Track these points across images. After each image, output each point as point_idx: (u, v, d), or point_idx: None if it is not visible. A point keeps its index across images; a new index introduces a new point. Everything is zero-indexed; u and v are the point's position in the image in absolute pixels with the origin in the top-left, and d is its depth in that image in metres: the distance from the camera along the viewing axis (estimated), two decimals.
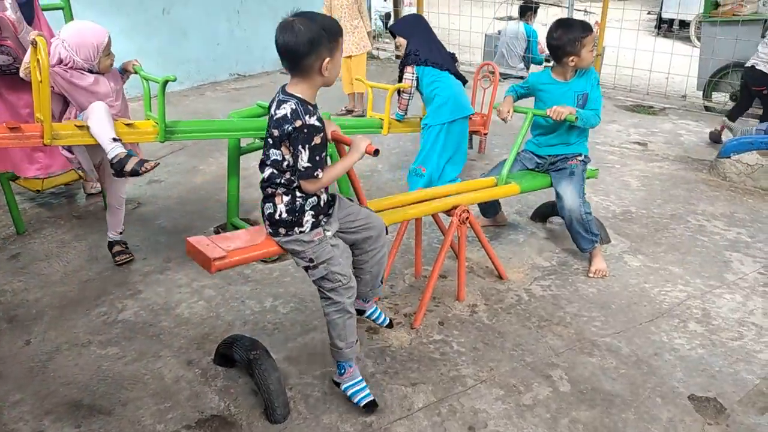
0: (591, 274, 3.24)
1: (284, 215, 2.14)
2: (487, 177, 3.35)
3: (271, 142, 2.10)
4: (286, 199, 2.13)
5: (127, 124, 3.09)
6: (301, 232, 2.16)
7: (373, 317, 2.63)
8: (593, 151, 4.92)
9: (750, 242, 3.61)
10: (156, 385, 2.48)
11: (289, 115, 2.01)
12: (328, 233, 2.23)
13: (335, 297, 2.23)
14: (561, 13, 9.36)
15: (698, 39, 8.81)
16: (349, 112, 6.49)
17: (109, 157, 2.89)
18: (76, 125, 2.97)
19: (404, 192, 4.32)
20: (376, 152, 2.22)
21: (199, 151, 5.31)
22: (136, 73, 3.24)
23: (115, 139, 2.91)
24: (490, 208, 3.70)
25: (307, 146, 2.02)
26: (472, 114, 4.13)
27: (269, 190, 2.16)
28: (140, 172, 2.88)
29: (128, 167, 2.87)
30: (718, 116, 6.24)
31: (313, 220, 2.17)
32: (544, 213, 3.88)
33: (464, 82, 4.12)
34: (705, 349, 2.68)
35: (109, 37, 3.06)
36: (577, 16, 7.88)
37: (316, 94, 2.13)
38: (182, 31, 7.58)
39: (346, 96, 6.56)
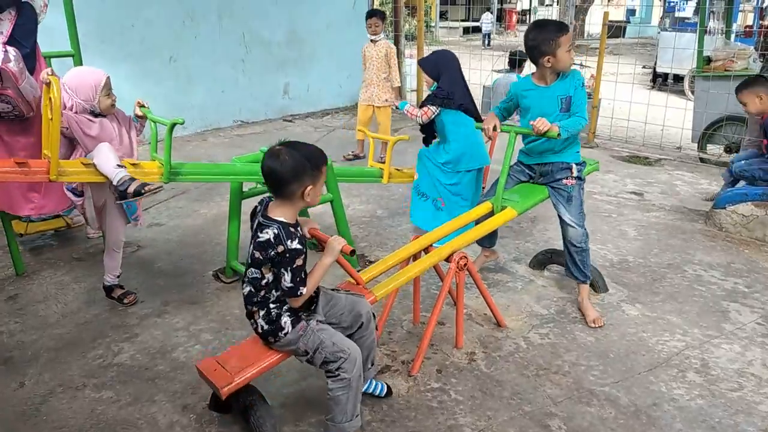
0: (592, 324, 3.23)
1: (265, 327, 2.28)
2: (482, 202, 3.33)
3: (250, 261, 2.22)
4: (261, 313, 2.28)
5: (133, 164, 3.16)
6: (285, 334, 2.26)
7: (370, 391, 2.63)
8: (589, 200, 4.98)
9: (747, 292, 3.62)
10: (150, 431, 2.45)
11: (272, 239, 2.12)
12: (311, 323, 2.30)
13: (342, 374, 2.27)
14: None
15: (692, 92, 9.02)
16: (356, 156, 6.61)
17: (114, 181, 2.99)
18: (82, 162, 3.06)
19: (403, 236, 4.40)
20: (353, 252, 2.30)
21: (200, 195, 5.37)
22: (143, 114, 3.33)
23: (119, 166, 3.03)
24: (487, 238, 3.59)
25: (289, 269, 2.13)
26: (488, 164, 4.16)
27: (248, 308, 2.31)
28: (143, 192, 2.99)
29: (131, 188, 2.99)
30: (713, 168, 6.33)
31: (292, 319, 2.27)
32: (542, 261, 3.90)
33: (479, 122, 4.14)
34: (704, 399, 2.66)
35: (108, 78, 3.16)
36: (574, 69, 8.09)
37: (296, 214, 2.24)
38: (188, 78, 7.76)
39: (355, 141, 6.72)
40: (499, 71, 9.02)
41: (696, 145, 6.83)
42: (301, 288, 2.16)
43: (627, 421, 2.51)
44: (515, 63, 8.30)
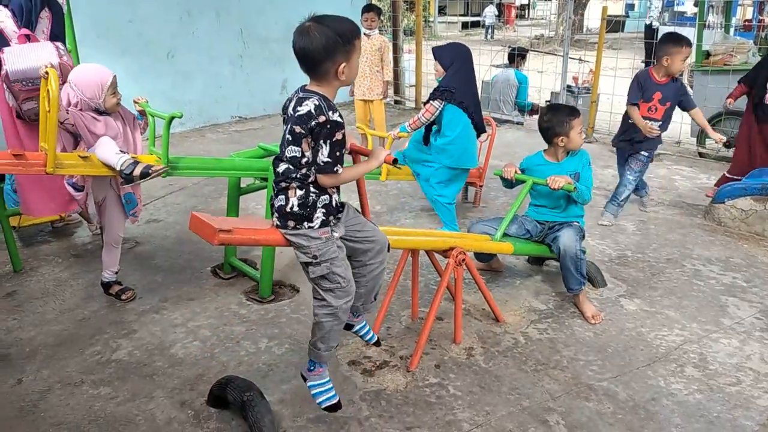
0: (591, 321, 3.23)
1: (296, 208, 2.13)
2: (480, 233, 3.37)
3: (290, 138, 2.09)
4: (299, 192, 2.13)
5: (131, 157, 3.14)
6: (309, 227, 2.15)
7: (361, 333, 2.61)
8: None
9: (746, 287, 3.62)
10: (148, 427, 2.45)
11: (313, 111, 2.03)
12: (336, 234, 2.23)
13: (330, 299, 2.22)
14: (555, 61, 9.57)
15: (691, 87, 9.00)
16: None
17: (118, 165, 2.99)
18: (79, 155, 3.04)
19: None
20: (395, 161, 2.28)
21: (198, 192, 5.36)
22: (142, 108, 3.33)
23: (121, 151, 3.04)
24: (484, 256, 3.69)
25: (328, 141, 2.04)
26: (474, 167, 4.18)
27: (283, 184, 2.15)
28: (150, 173, 3.00)
29: (137, 171, 2.99)
30: (712, 162, 6.33)
31: (323, 218, 2.17)
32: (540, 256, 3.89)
33: (480, 133, 4.22)
34: (702, 394, 2.66)
35: (114, 77, 3.15)
36: (572, 63, 8.08)
37: (335, 93, 2.16)
38: (186, 74, 7.74)
39: (355, 136, 6.69)
40: (497, 66, 8.99)
41: (695, 139, 6.82)
42: (338, 166, 2.08)
43: (625, 416, 2.51)
44: (514, 58, 8.30)
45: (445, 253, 2.94)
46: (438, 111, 3.98)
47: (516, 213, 3.37)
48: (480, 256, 3.73)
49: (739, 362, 2.89)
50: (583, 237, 3.39)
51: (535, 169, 3.44)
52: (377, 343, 2.71)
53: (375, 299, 2.55)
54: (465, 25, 25.62)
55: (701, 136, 6.70)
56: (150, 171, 3.00)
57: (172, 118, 3.07)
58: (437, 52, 4.08)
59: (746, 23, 11.77)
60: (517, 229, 3.45)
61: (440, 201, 4.16)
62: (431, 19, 22.49)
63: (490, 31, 23.56)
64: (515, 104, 8.07)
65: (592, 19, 20.07)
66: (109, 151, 3.03)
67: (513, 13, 27.56)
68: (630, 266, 3.90)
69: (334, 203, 2.21)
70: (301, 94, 2.11)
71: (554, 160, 3.43)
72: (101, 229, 3.46)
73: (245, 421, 2.31)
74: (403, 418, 2.49)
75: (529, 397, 2.63)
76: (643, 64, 11.87)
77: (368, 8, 6.18)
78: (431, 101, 4.00)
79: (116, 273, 3.46)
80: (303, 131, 2.05)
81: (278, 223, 2.19)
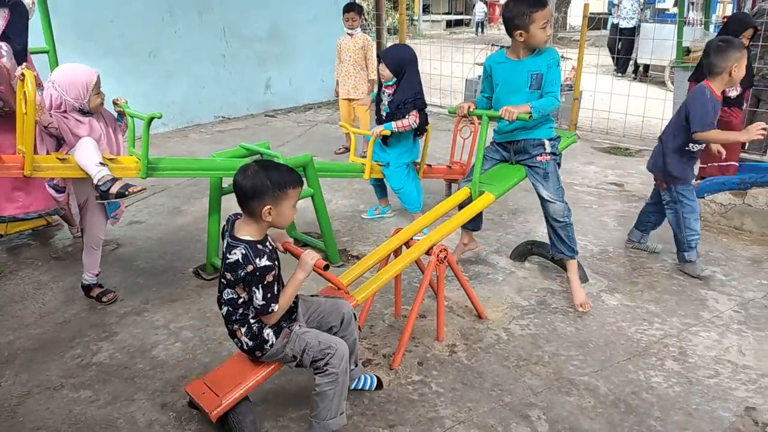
0: (579, 308, 3.27)
1: (249, 343, 2.28)
2: (461, 188, 3.37)
3: (224, 282, 2.22)
4: (243, 330, 2.27)
5: (110, 159, 3.12)
6: (270, 346, 2.27)
7: (360, 387, 2.63)
8: (570, 191, 4.99)
9: (725, 280, 3.66)
10: (129, 430, 2.43)
11: (240, 260, 2.13)
12: (294, 327, 2.31)
13: (331, 369, 2.26)
14: None
15: (672, 83, 9.09)
16: (347, 149, 6.59)
17: (95, 179, 2.95)
18: (58, 158, 3.00)
19: (386, 230, 4.39)
20: (326, 267, 2.30)
21: (180, 192, 5.32)
22: (121, 109, 3.28)
23: (101, 164, 2.98)
24: (470, 221, 3.48)
25: (260, 286, 2.15)
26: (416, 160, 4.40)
27: (229, 327, 2.31)
28: (126, 194, 2.96)
29: (114, 189, 2.95)
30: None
31: (275, 329, 2.28)
32: (522, 252, 3.91)
33: (420, 133, 4.39)
34: (682, 387, 2.69)
35: (98, 76, 3.11)
36: None
37: (265, 233, 2.24)
38: (168, 74, 7.68)
39: (338, 135, 6.70)
40: (480, 64, 9.02)
41: None
42: (272, 305, 2.18)
43: (606, 410, 2.53)
44: None
45: (428, 251, 2.94)
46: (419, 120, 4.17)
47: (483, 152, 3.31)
48: (466, 224, 3.51)
49: (718, 355, 2.92)
50: (559, 161, 3.32)
51: (495, 68, 3.27)
52: (380, 385, 2.67)
53: (356, 365, 2.56)
54: (449, 24, 25.67)
55: None
56: (127, 192, 2.95)
57: (152, 118, 3.05)
58: (387, 58, 4.19)
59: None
60: (490, 164, 3.41)
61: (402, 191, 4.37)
62: (415, 17, 22.50)
63: (480, 27, 24.05)
64: None
65: (575, 16, 20.20)
66: (89, 159, 2.98)
67: (497, 11, 27.69)
68: (611, 261, 3.93)
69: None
70: (229, 241, 2.20)
71: (515, 57, 3.18)
72: (82, 231, 3.42)
73: (227, 422, 2.30)
74: (386, 416, 2.50)
75: (511, 392, 2.65)
76: (614, 65, 11.92)
77: (348, 7, 6.17)
78: (412, 111, 4.12)
79: (97, 275, 3.44)
80: (234, 279, 2.16)
81: (251, 358, 2.36)
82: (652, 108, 6.89)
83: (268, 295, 2.16)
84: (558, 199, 3.26)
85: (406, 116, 4.12)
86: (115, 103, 3.31)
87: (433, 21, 24.92)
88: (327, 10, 9.29)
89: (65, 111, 3.08)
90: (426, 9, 26.25)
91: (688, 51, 7.05)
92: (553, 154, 3.29)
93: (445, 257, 2.94)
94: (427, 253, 2.95)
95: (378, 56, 4.30)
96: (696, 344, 3.01)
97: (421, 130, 4.29)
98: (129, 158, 3.22)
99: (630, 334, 3.10)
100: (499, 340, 3.05)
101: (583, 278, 3.63)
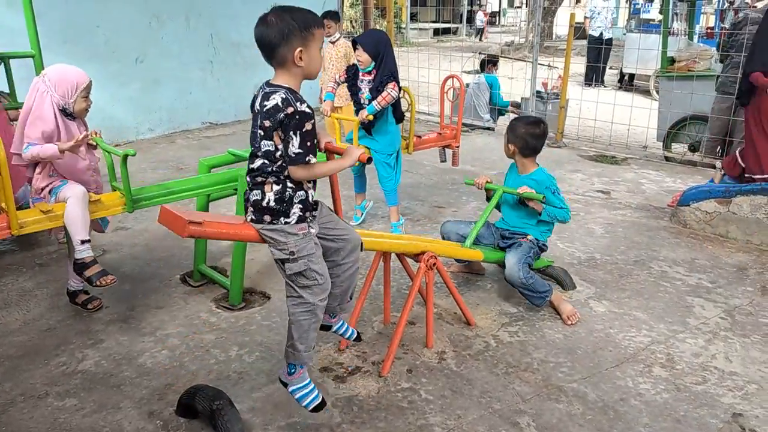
0: (568, 321, 3.26)
1: (272, 203, 2.13)
2: (448, 232, 3.50)
3: (261, 133, 2.09)
4: (276, 188, 2.12)
5: (93, 201, 3.00)
6: (286, 222, 2.15)
7: (341, 332, 2.60)
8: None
9: (711, 287, 3.70)
10: None
11: (280, 103, 2.03)
12: (312, 231, 2.22)
13: (308, 296, 2.20)
14: (525, 67, 9.69)
15: (657, 92, 9.20)
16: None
17: (76, 257, 2.89)
18: (41, 210, 2.86)
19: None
20: (369, 160, 2.30)
21: None
22: (96, 145, 3.09)
23: (84, 241, 2.90)
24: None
25: (298, 132, 2.04)
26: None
27: (259, 179, 2.14)
28: (95, 284, 2.89)
29: (88, 273, 2.89)
30: (678, 166, 6.46)
31: (300, 213, 2.16)
32: None
33: (399, 121, 4.45)
34: (669, 393, 2.70)
35: (90, 82, 3.03)
36: (541, 69, 8.19)
37: (300, 85, 2.16)
38: (155, 80, 7.64)
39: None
40: (468, 72, 9.08)
41: (661, 143, 6.96)
42: (310, 156, 2.07)
43: (595, 417, 2.54)
44: (485, 65, 8.41)
45: (417, 257, 2.95)
46: (398, 91, 4.20)
47: (488, 220, 3.42)
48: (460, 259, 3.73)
49: (705, 361, 2.95)
50: (539, 252, 3.44)
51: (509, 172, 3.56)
52: (358, 338, 2.70)
53: (351, 299, 2.55)
54: (437, 32, 25.80)
55: (667, 140, 6.85)
56: (96, 282, 2.87)
57: (126, 156, 2.90)
58: (364, 42, 4.20)
59: (709, 31, 12.06)
60: (485, 232, 3.50)
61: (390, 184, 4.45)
62: (403, 25, 22.58)
63: (480, 33, 25.01)
64: (490, 106, 8.16)
65: (561, 26, 20.39)
66: (77, 230, 2.88)
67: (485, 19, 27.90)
68: (598, 268, 3.96)
69: (310, 199, 2.21)
70: (267, 89, 2.11)
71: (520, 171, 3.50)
72: (68, 237, 3.37)
73: (215, 430, 2.28)
74: (376, 424, 2.49)
75: (500, 399, 2.65)
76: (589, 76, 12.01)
77: (324, 15, 6.13)
78: (390, 82, 4.13)
79: (83, 282, 3.38)
80: (272, 124, 2.05)
81: (253, 217, 2.18)
82: (637, 117, 6.96)
83: (308, 144, 2.05)
84: (515, 262, 3.24)
85: (384, 89, 4.13)
86: (87, 139, 3.06)
87: (420, 29, 25.03)
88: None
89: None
90: (414, 17, 26.37)
91: (672, 60, 7.14)
92: (533, 244, 3.39)
93: (434, 264, 2.94)
94: (416, 260, 2.95)
95: (353, 42, 4.30)
96: (683, 351, 3.03)
97: (400, 116, 4.34)
98: (113, 195, 3.10)
99: (618, 340, 3.12)
100: (488, 347, 3.05)
101: (571, 285, 3.65)
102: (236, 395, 2.55)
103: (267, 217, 2.15)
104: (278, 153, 2.09)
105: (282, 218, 2.14)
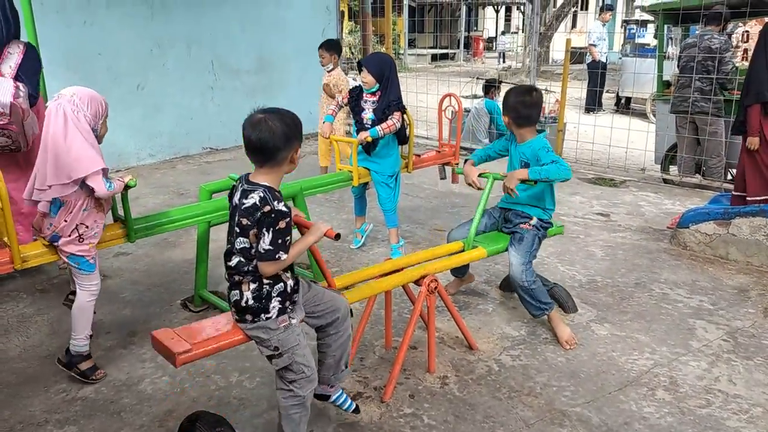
0: (567, 347, 3.24)
1: (251, 302, 2.16)
2: (453, 240, 3.42)
3: (238, 230, 2.13)
4: (252, 286, 2.17)
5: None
6: (267, 318, 2.18)
7: (338, 402, 2.57)
8: (556, 221, 5.04)
9: (712, 309, 3.69)
10: None
11: (258, 202, 2.07)
12: (294, 321, 2.24)
13: (296, 390, 2.23)
14: None
15: (654, 115, 9.28)
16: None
17: (78, 349, 2.89)
18: (44, 244, 2.84)
19: (375, 260, 4.39)
20: (338, 237, 2.28)
21: None
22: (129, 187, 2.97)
23: (89, 336, 2.93)
24: (460, 268, 3.68)
25: (271, 230, 2.07)
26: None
27: (236, 278, 2.19)
28: (88, 378, 2.90)
29: (82, 366, 2.90)
30: (676, 188, 6.49)
31: (280, 306, 2.19)
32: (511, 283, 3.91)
33: (403, 143, 4.49)
34: (674, 417, 2.68)
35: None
36: None
37: (280, 182, 2.22)
38: (156, 106, 7.70)
39: (318, 168, 6.67)
40: (466, 97, 9.17)
41: (659, 166, 7.00)
42: (281, 253, 2.08)
43: None
44: (489, 89, 8.52)
45: (418, 281, 2.95)
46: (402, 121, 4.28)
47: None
48: (455, 270, 3.70)
49: (708, 384, 2.93)
50: (544, 234, 3.38)
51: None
52: (356, 411, 2.62)
53: (346, 368, 2.52)
54: (434, 57, 26.08)
55: (665, 162, 6.89)
56: (90, 376, 2.90)
57: (128, 187, 2.92)
58: (367, 63, 4.27)
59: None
60: (488, 221, 3.47)
61: (390, 204, 4.47)
62: (401, 51, 22.83)
63: (503, 56, 25.26)
64: (489, 132, 8.21)
65: (557, 51, 20.63)
66: (89, 320, 2.90)
67: (481, 45, 28.20)
68: (600, 291, 3.95)
69: (289, 289, 2.23)
70: (245, 186, 2.15)
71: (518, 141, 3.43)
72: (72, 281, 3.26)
73: None
74: None
75: (504, 424, 2.63)
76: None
77: (319, 45, 6.23)
78: (395, 112, 4.20)
79: (91, 337, 3.06)
80: (249, 223, 2.09)
81: (237, 317, 2.24)
82: (635, 140, 7.01)
83: (279, 241, 2.07)
84: (521, 262, 3.23)
85: (390, 118, 4.18)
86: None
87: (418, 54, 25.31)
88: (314, 42, 9.28)
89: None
90: (411, 43, 26.68)
91: (668, 84, 7.21)
92: (537, 228, 3.35)
93: (436, 288, 2.94)
94: (418, 283, 2.95)
95: (358, 64, 4.36)
96: (686, 374, 3.02)
97: (402, 138, 4.37)
98: (114, 225, 3.09)
99: (621, 363, 3.11)
100: (491, 371, 3.03)
101: (573, 308, 3.64)
102: (237, 421, 2.53)
103: (248, 317, 2.20)
104: (253, 250, 2.13)
105: (262, 314, 2.18)
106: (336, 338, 2.41)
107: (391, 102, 4.22)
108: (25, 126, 3.28)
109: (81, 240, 2.80)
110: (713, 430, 2.60)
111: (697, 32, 6.64)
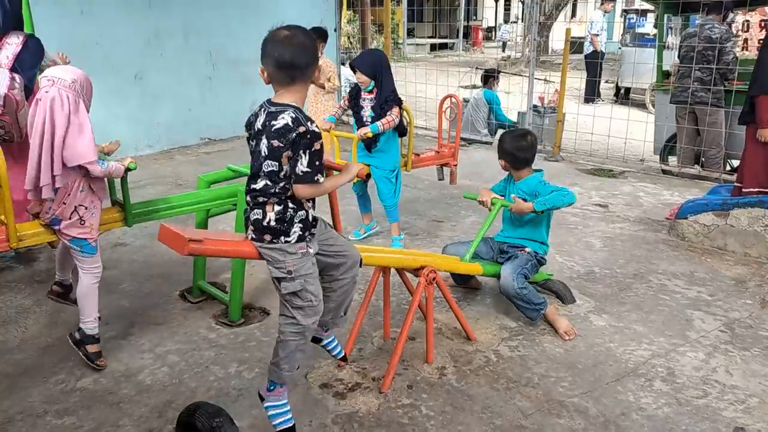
0: (565, 337, 3.25)
1: (273, 223, 2.14)
2: (449, 254, 3.46)
3: (266, 153, 2.09)
4: (277, 208, 2.14)
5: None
6: (286, 241, 2.16)
7: (329, 348, 2.61)
8: (556, 213, 5.04)
9: (710, 300, 3.70)
10: None
11: (290, 123, 2.03)
12: (311, 250, 2.23)
13: (300, 318, 2.21)
14: (522, 81, 9.76)
15: (653, 106, 9.26)
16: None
17: (88, 331, 2.90)
18: (41, 224, 2.83)
19: None
20: (368, 176, 2.30)
21: None
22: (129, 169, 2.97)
23: (97, 319, 2.94)
24: (464, 276, 3.74)
25: (307, 151, 2.04)
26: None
27: (260, 199, 2.15)
28: (93, 363, 2.91)
29: (90, 349, 2.91)
30: (675, 179, 6.49)
31: (300, 233, 2.17)
32: None
33: (402, 135, 4.48)
34: (671, 408, 2.69)
35: None
36: (538, 84, 8.24)
37: (304, 102, 2.20)
38: (154, 96, 7.67)
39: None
40: (465, 87, 9.13)
41: (658, 157, 6.99)
42: (318, 175, 2.07)
43: None
44: (488, 79, 8.49)
45: (416, 272, 2.95)
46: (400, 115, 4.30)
47: (486, 235, 3.43)
48: (456, 277, 3.77)
49: (706, 375, 2.94)
50: (537, 265, 3.42)
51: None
52: (344, 359, 2.70)
53: (344, 314, 2.56)
54: (434, 47, 25.99)
55: (664, 153, 6.89)
56: (95, 362, 2.90)
57: (128, 169, 2.92)
58: (360, 65, 4.28)
59: None
60: (484, 248, 3.50)
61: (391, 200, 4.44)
62: (400, 41, 22.74)
63: (504, 45, 25.52)
64: (488, 124, 8.20)
65: (557, 40, 20.56)
66: (95, 302, 2.91)
67: (480, 35, 28.09)
68: (598, 282, 3.96)
69: (310, 218, 2.22)
70: (271, 108, 2.11)
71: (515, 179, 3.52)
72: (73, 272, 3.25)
73: None
74: None
75: (501, 415, 2.64)
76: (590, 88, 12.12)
77: None
78: (393, 107, 4.22)
79: (99, 319, 3.01)
80: (282, 144, 2.05)
81: (253, 236, 2.19)
82: (634, 130, 7.00)
83: (316, 163, 2.05)
84: (510, 272, 3.23)
85: (388, 113, 4.20)
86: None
87: (417, 44, 25.21)
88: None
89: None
90: (410, 32, 26.57)
91: (667, 74, 7.19)
92: (531, 255, 3.39)
93: (434, 279, 2.94)
94: (416, 274, 2.95)
95: (351, 66, 4.37)
96: (684, 364, 3.03)
97: (402, 130, 4.38)
98: (111, 209, 3.08)
99: (618, 354, 3.12)
100: (489, 362, 3.04)
101: (571, 300, 3.65)
102: (236, 412, 2.53)
103: (267, 236, 2.16)
104: (282, 173, 2.09)
105: (282, 237, 2.15)
106: (341, 283, 2.41)
107: (387, 97, 4.24)
108: (19, 117, 3.27)
109: (82, 222, 2.81)
110: (710, 420, 2.61)
111: (697, 22, 6.62)
